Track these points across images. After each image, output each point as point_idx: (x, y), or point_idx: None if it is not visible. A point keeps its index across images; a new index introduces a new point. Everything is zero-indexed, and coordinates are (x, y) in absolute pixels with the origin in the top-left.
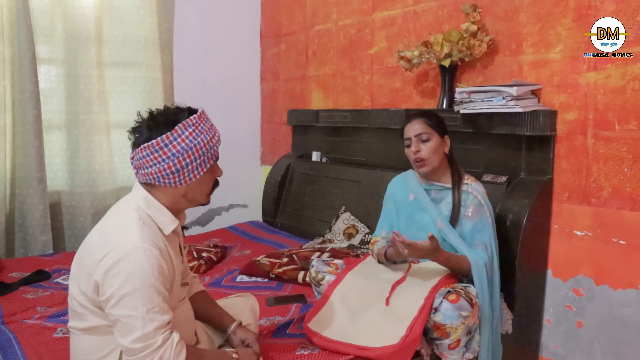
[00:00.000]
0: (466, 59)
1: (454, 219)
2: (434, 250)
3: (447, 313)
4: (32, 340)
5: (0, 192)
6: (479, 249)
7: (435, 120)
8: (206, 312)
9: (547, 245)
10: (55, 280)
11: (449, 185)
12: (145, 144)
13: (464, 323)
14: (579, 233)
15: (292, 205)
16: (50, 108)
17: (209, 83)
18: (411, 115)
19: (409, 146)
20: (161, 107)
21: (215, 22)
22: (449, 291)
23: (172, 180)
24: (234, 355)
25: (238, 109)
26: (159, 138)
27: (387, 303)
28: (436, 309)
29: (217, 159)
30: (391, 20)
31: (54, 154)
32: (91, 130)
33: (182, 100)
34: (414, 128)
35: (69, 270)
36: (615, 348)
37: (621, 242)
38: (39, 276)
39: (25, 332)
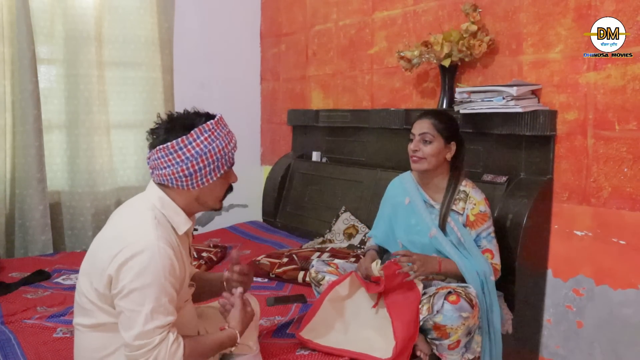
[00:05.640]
0: (466, 59)
1: (441, 226)
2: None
3: (448, 314)
4: (32, 340)
5: (0, 192)
6: (484, 255)
7: (445, 124)
8: (200, 288)
9: (547, 245)
10: (55, 280)
11: (438, 205)
12: (161, 146)
13: (464, 324)
14: (579, 233)
15: (292, 205)
16: (50, 108)
17: (209, 83)
18: (423, 112)
19: (411, 141)
20: (161, 107)
21: (215, 22)
22: (449, 292)
23: (184, 183)
24: (234, 331)
25: (238, 109)
26: (174, 141)
27: (375, 305)
28: (437, 311)
29: (232, 164)
30: (391, 20)
31: (54, 154)
32: (91, 130)
33: (182, 100)
34: (421, 126)
35: (69, 270)
36: (615, 348)
37: (621, 242)
38: (39, 276)
39: (25, 332)
